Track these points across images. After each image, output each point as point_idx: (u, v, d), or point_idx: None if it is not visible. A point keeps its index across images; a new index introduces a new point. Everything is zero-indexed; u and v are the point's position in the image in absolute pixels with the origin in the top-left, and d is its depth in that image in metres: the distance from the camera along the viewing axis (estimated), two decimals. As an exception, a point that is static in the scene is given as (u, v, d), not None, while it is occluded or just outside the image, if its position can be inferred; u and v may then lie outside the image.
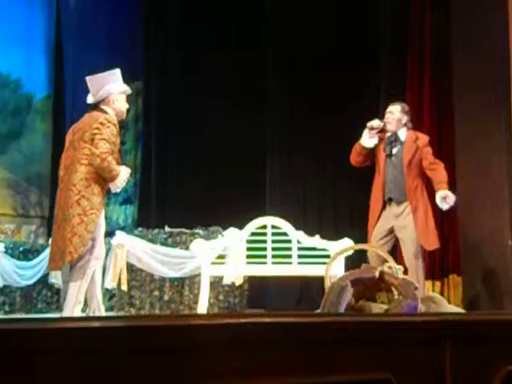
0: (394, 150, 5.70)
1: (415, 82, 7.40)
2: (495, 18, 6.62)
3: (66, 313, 4.94)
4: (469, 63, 6.85)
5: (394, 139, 5.71)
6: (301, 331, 1.49)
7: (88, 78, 5.16)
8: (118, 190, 5.10)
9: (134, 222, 9.39)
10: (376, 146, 5.70)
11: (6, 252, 7.89)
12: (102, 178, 4.91)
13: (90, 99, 5.15)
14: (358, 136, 5.72)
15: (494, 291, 6.68)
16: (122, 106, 5.12)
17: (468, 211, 6.98)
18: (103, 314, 5.13)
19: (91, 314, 5.03)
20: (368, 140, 5.66)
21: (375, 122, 5.66)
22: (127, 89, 5.21)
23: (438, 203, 5.56)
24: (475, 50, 6.86)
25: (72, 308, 4.89)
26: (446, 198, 5.53)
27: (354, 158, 5.80)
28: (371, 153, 5.73)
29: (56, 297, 8.47)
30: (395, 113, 5.74)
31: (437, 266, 7.08)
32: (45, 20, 9.83)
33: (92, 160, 4.85)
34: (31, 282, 8.08)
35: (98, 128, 4.87)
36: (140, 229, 7.88)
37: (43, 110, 9.88)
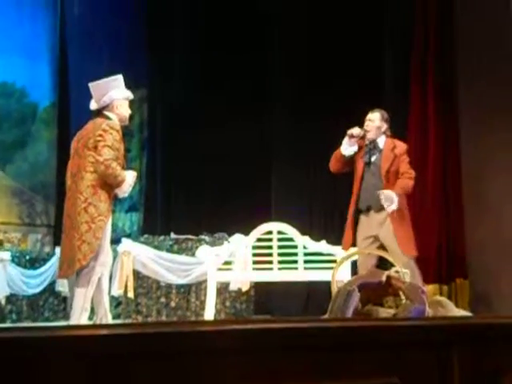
0: (373, 158, 5.71)
1: (419, 81, 7.38)
2: (501, 16, 6.62)
3: (72, 321, 4.94)
4: (474, 61, 6.85)
5: (373, 147, 5.72)
6: (308, 336, 1.48)
7: (91, 85, 5.18)
8: (126, 195, 5.11)
9: (139, 229, 9.40)
10: (355, 154, 5.72)
11: (12, 260, 7.90)
12: (108, 184, 4.92)
13: (93, 105, 5.18)
14: (339, 143, 5.73)
15: (501, 294, 6.66)
16: (125, 111, 5.14)
17: (474, 215, 6.97)
18: (110, 321, 5.12)
19: (98, 322, 5.03)
20: (348, 148, 5.68)
21: (355, 130, 5.66)
22: (130, 94, 5.22)
23: (382, 199, 5.46)
24: (480, 48, 6.86)
25: (79, 316, 4.89)
26: (391, 200, 5.45)
27: (333, 165, 5.83)
28: (350, 160, 5.74)
29: (63, 305, 8.48)
30: (375, 120, 5.75)
31: (443, 269, 7.06)
32: (48, 29, 9.86)
33: (96, 167, 4.86)
34: (38, 290, 8.09)
35: (100, 135, 4.89)
36: (146, 236, 7.88)
37: (48, 118, 9.91)
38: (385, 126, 5.77)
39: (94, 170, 4.88)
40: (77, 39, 9.75)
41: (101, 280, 4.97)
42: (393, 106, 6.82)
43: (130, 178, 4.98)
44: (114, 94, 5.09)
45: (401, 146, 5.76)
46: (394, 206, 5.44)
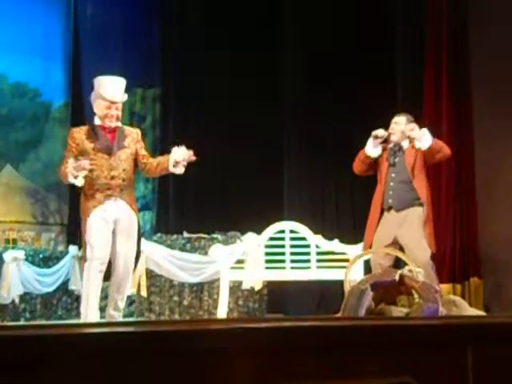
0: (397, 159, 5.72)
1: (432, 81, 7.35)
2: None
3: (82, 318, 4.97)
4: (488, 61, 6.82)
5: (398, 149, 5.74)
6: (321, 335, 1.48)
7: (94, 80, 5.42)
8: (76, 183, 5.01)
9: (152, 228, 9.42)
10: (379, 156, 5.73)
11: (26, 259, 7.93)
12: (88, 182, 5.03)
13: None
14: (363, 144, 5.73)
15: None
16: (100, 110, 5.22)
17: (488, 214, 6.93)
18: (120, 315, 5.13)
19: (108, 315, 5.05)
20: (372, 149, 5.68)
21: (380, 132, 5.69)
22: (107, 96, 5.21)
23: (415, 137, 5.55)
24: (494, 47, 6.82)
25: (85, 312, 4.91)
26: (423, 135, 5.54)
27: (358, 167, 5.85)
28: (374, 162, 5.75)
29: (76, 303, 8.50)
30: (401, 123, 5.76)
31: (457, 269, 7.03)
32: (62, 28, 9.89)
33: None
34: (51, 289, 8.12)
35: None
36: (159, 235, 7.90)
37: (61, 117, 9.94)
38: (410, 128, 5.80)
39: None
40: (90, 38, 9.78)
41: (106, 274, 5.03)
42: (406, 106, 6.79)
43: (70, 165, 4.97)
44: (92, 94, 5.31)
45: None
46: (429, 141, 5.52)
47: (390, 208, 5.68)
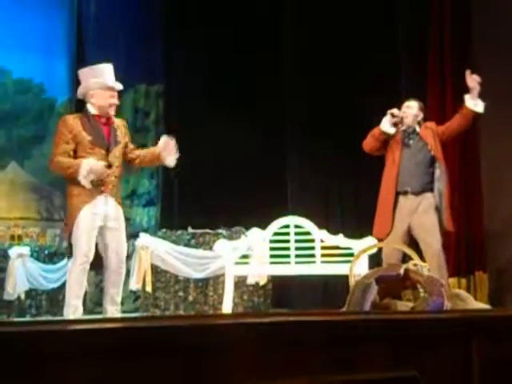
0: (411, 142, 5.71)
1: (436, 82, 7.34)
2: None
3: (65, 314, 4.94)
4: (491, 62, 6.80)
5: (412, 131, 5.74)
6: (326, 330, 1.48)
7: (79, 72, 5.22)
8: (86, 185, 4.85)
9: (157, 224, 9.42)
10: (391, 137, 5.70)
11: (31, 255, 7.95)
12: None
13: (78, 95, 5.22)
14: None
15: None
16: (102, 100, 5.02)
17: (493, 208, 6.92)
18: (118, 309, 5.10)
19: (104, 309, 5.03)
20: (388, 126, 5.65)
21: (396, 110, 5.69)
22: (109, 84, 5.08)
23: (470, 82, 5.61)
24: (498, 49, 6.80)
25: (67, 309, 4.90)
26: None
27: (370, 144, 5.78)
28: (386, 142, 5.72)
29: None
30: (413, 108, 5.77)
31: (462, 263, 7.02)
32: (65, 25, 9.88)
33: None
34: (57, 284, 8.13)
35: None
36: (163, 230, 7.90)
37: (65, 113, 9.93)
38: (421, 115, 5.83)
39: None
40: (93, 35, 9.78)
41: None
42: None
43: (84, 166, 4.81)
44: (90, 84, 5.05)
45: (431, 124, 5.84)
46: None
47: (405, 192, 5.65)
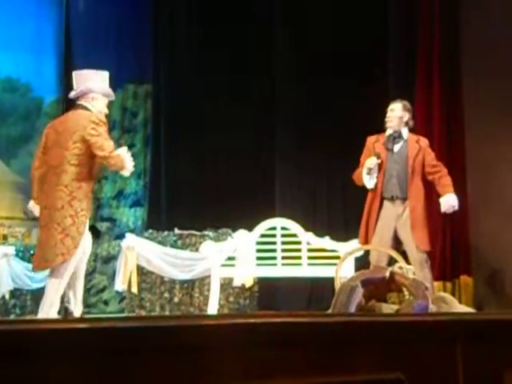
0: (397, 147, 5.70)
1: (424, 84, 7.36)
2: (506, 25, 6.61)
3: (41, 314, 4.87)
4: (479, 67, 6.83)
5: (398, 136, 5.72)
6: (311, 331, 1.48)
7: (74, 73, 5.21)
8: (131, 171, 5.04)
9: (143, 225, 9.40)
10: (376, 144, 5.71)
11: (16, 255, 7.91)
12: (91, 179, 4.95)
13: (71, 94, 5.18)
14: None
15: (505, 292, 6.65)
16: (101, 105, 5.09)
17: (478, 212, 6.95)
18: (79, 310, 5.09)
19: (72, 310, 5.00)
20: (369, 181, 5.64)
21: (372, 163, 5.60)
22: (110, 93, 5.19)
23: (444, 205, 5.56)
24: (485, 55, 6.84)
25: (48, 309, 4.85)
26: (452, 202, 5.56)
27: (358, 183, 5.82)
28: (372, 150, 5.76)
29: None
30: (396, 110, 5.75)
31: (447, 266, 7.04)
32: (53, 23, 9.85)
33: (106, 163, 4.91)
34: (42, 284, 8.08)
35: (93, 128, 4.89)
36: (150, 231, 7.89)
37: (53, 113, 9.89)
38: (407, 116, 5.77)
39: (78, 163, 4.87)
40: (82, 34, 9.74)
41: (79, 270, 4.97)
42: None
43: (127, 157, 4.93)
44: (93, 86, 5.07)
45: (424, 140, 5.81)
46: (456, 207, 5.61)
47: (392, 197, 5.66)
